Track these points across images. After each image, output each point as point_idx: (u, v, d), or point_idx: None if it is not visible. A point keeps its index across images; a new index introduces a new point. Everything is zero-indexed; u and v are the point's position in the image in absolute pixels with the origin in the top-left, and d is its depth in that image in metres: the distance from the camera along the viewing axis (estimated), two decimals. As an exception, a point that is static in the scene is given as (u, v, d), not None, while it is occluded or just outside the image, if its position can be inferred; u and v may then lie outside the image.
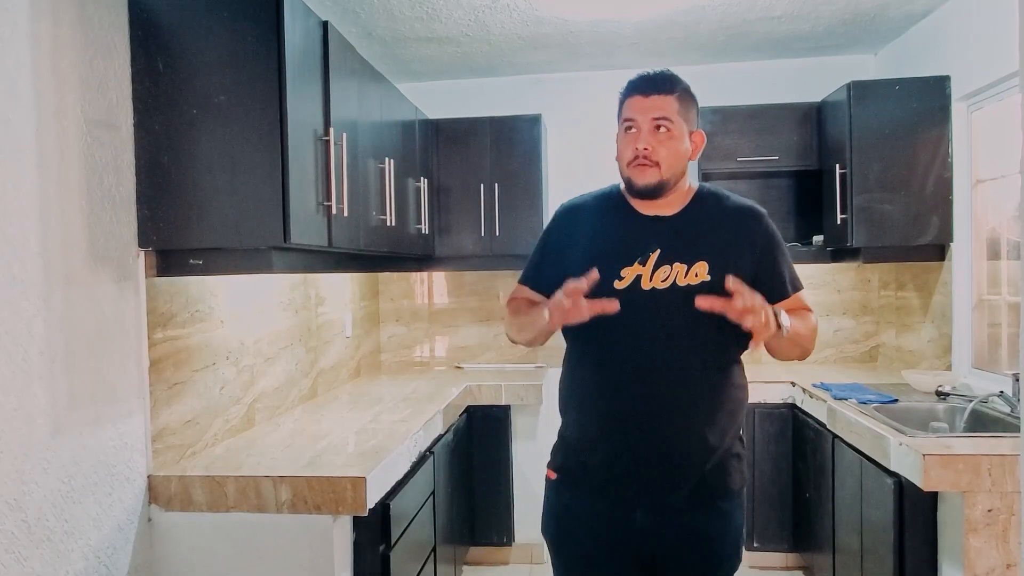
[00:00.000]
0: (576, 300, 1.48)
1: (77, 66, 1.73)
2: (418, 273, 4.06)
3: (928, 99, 3.10)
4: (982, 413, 2.51)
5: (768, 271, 1.62)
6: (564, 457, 1.74)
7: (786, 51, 3.70)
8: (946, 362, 3.14)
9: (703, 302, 1.47)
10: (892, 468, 2.19)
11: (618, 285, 1.60)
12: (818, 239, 3.55)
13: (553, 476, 1.77)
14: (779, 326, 1.51)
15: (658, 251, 1.61)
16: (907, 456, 2.07)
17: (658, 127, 1.59)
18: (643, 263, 1.61)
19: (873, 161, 3.14)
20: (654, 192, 1.63)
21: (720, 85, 3.85)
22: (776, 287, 1.62)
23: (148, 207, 1.95)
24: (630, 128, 1.62)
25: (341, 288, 3.52)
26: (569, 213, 1.77)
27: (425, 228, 3.43)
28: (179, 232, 1.95)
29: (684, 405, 1.60)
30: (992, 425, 2.44)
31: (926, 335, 3.32)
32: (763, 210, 1.70)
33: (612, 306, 1.49)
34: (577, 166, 3.99)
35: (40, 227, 1.61)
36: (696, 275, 1.59)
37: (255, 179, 1.91)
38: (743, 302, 1.44)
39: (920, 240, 3.13)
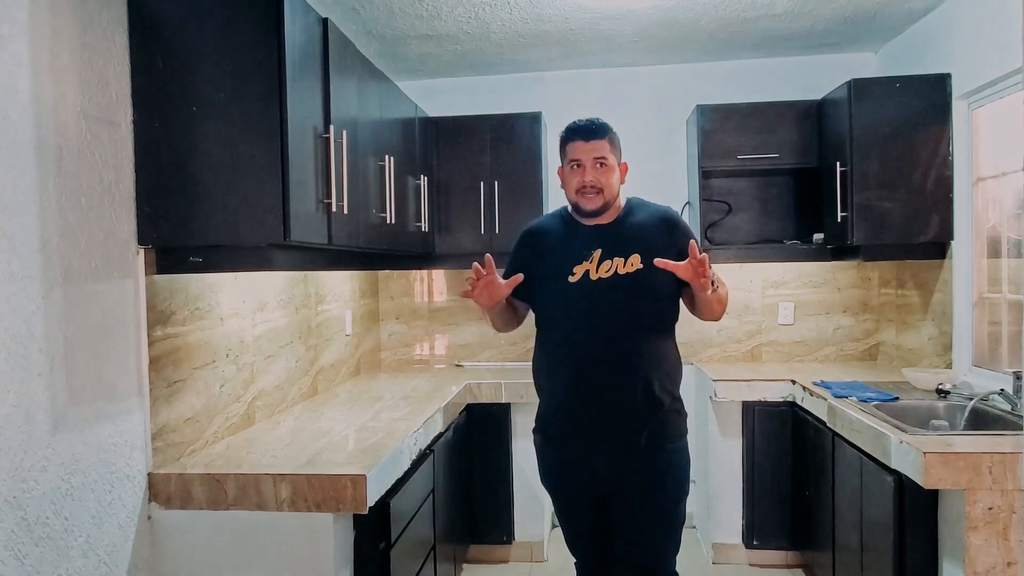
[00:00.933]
0: (479, 275, 1.99)
1: (76, 63, 1.73)
2: (418, 271, 4.06)
3: (929, 97, 3.09)
4: (983, 411, 2.51)
5: (686, 257, 1.96)
6: (544, 421, 2.19)
7: (786, 49, 3.70)
8: (946, 360, 3.14)
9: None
10: (892, 466, 2.19)
11: (571, 279, 2.08)
12: (818, 237, 3.54)
13: (537, 439, 2.22)
14: (713, 283, 1.96)
15: (600, 250, 2.08)
16: (907, 454, 2.07)
17: (599, 164, 2.06)
18: (589, 260, 2.08)
19: (873, 159, 3.14)
20: (599, 212, 2.10)
21: (720, 83, 3.85)
22: None
23: (148, 204, 1.94)
24: (576, 165, 2.08)
25: (341, 286, 3.52)
26: (531, 234, 2.25)
27: (425, 226, 3.43)
28: (179, 229, 1.95)
29: (630, 366, 2.05)
30: (993, 423, 2.44)
31: (926, 333, 3.32)
32: (677, 212, 2.23)
33: (518, 278, 2.03)
34: (577, 164, 3.99)
35: (39, 224, 1.60)
36: (632, 264, 2.06)
37: (255, 176, 1.90)
38: (701, 260, 1.88)
39: (920, 238, 3.13)
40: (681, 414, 2.14)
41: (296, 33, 1.97)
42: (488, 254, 2.02)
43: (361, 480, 1.90)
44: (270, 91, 1.89)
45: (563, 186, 2.15)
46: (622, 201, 2.16)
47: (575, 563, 2.32)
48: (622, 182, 2.14)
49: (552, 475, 2.20)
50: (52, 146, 1.65)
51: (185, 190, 1.93)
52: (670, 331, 2.15)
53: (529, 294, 2.16)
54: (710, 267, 1.93)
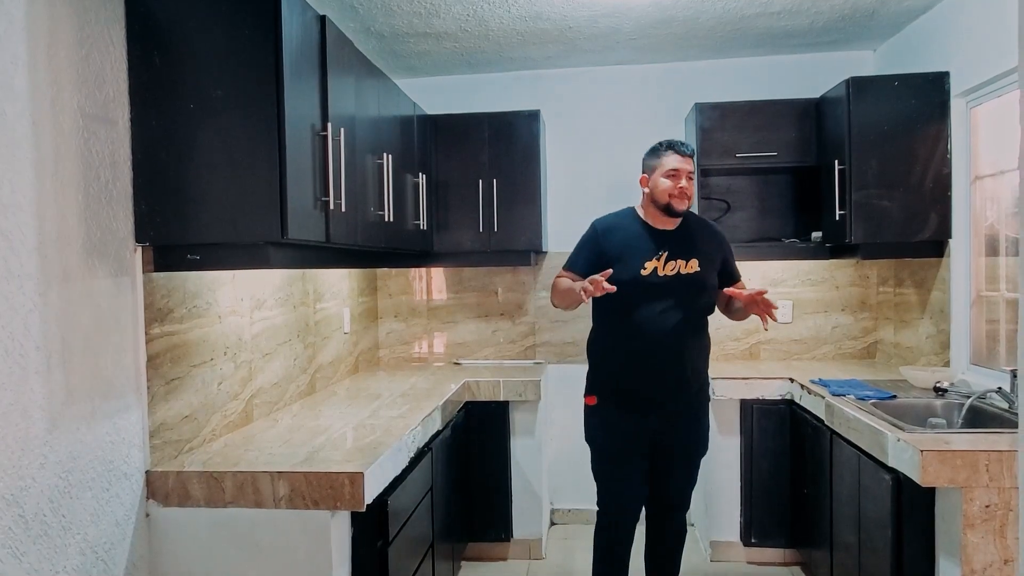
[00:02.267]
0: (596, 286, 2.34)
1: (73, 60, 1.73)
2: (416, 269, 4.05)
3: (927, 95, 3.09)
4: (980, 409, 2.51)
5: (728, 266, 2.71)
6: (602, 386, 2.66)
7: (784, 47, 3.70)
8: (944, 358, 3.14)
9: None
10: (890, 464, 2.19)
11: (643, 273, 2.54)
12: (816, 235, 3.54)
13: (593, 401, 2.67)
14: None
15: (666, 252, 2.56)
16: (905, 452, 2.08)
17: (689, 177, 2.56)
18: (658, 259, 2.55)
19: (872, 157, 3.14)
20: (681, 213, 2.58)
21: (719, 81, 3.85)
22: (733, 275, 2.73)
23: (145, 202, 1.94)
24: (673, 175, 2.54)
25: (339, 284, 3.51)
26: (606, 228, 2.68)
27: (423, 224, 3.42)
28: (176, 227, 1.94)
29: (684, 347, 2.55)
30: (990, 421, 2.44)
31: (924, 331, 3.32)
32: (721, 227, 2.79)
33: (611, 288, 2.35)
34: (576, 162, 3.98)
35: (37, 222, 1.60)
36: (691, 267, 2.57)
37: (253, 174, 1.90)
38: (767, 302, 2.46)
39: (919, 236, 3.13)
40: (708, 384, 2.71)
41: (293, 30, 1.97)
42: (611, 269, 2.40)
43: (359, 478, 1.90)
44: (267, 88, 1.89)
45: (651, 188, 2.59)
46: None
47: (600, 519, 2.73)
48: None
49: (611, 433, 2.64)
50: (49, 144, 1.65)
51: (183, 188, 1.93)
52: (707, 322, 2.66)
53: None
54: (774, 305, 2.48)
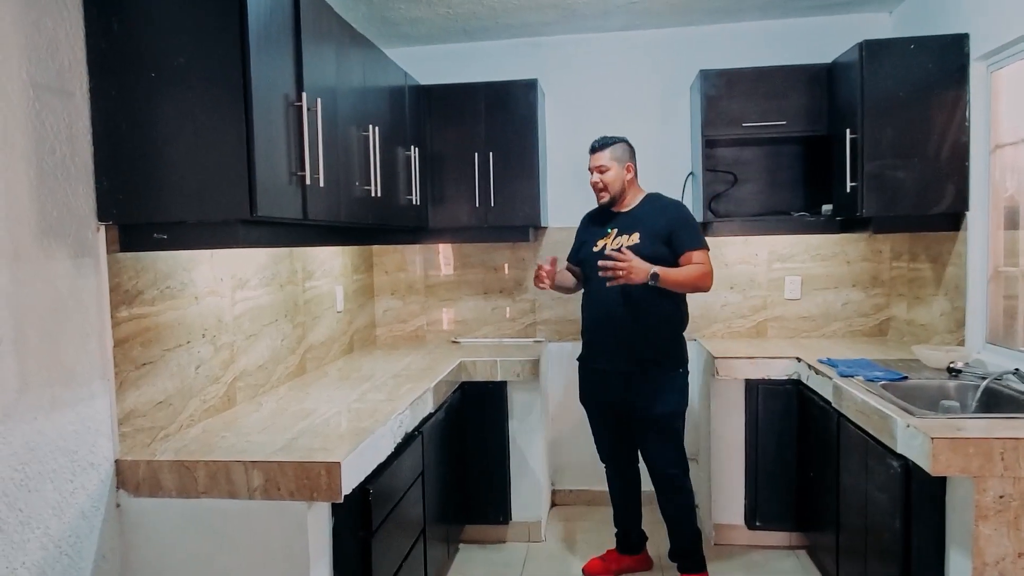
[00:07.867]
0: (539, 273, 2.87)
1: (21, 26, 1.61)
2: (414, 245, 3.94)
3: (945, 59, 2.91)
4: (996, 391, 2.39)
5: (674, 237, 2.79)
6: (582, 352, 3.03)
7: (795, 10, 3.51)
8: (959, 337, 3.00)
9: (615, 254, 2.69)
10: (899, 450, 2.07)
11: (594, 249, 2.89)
12: (827, 208, 3.39)
13: (578, 364, 3.06)
14: (654, 277, 2.65)
15: (616, 229, 2.88)
16: (915, 439, 1.96)
17: (600, 170, 2.87)
18: (607, 236, 2.89)
19: (886, 125, 2.97)
20: (609, 204, 2.92)
21: (725, 47, 3.68)
22: (677, 245, 2.79)
23: (107, 178, 1.83)
24: (591, 172, 2.91)
25: (331, 261, 3.41)
26: (585, 219, 3.10)
27: (416, 199, 3.30)
28: (141, 205, 1.84)
29: (629, 313, 2.81)
30: (1007, 405, 2.31)
31: (939, 308, 3.18)
32: (680, 205, 2.95)
33: (544, 280, 2.87)
34: (575, 132, 3.83)
35: (-18, 200, 1.50)
36: (632, 240, 2.80)
37: (218, 147, 1.78)
38: (621, 261, 2.64)
39: (934, 209, 2.97)
40: (672, 351, 2.86)
41: (261, -6, 1.83)
42: (555, 256, 2.90)
43: (336, 468, 1.81)
44: (232, 56, 1.76)
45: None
46: (638, 196, 2.92)
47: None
48: (630, 177, 2.89)
49: (584, 393, 3.04)
50: (-5, 116, 1.54)
51: (146, 162, 1.82)
52: (664, 294, 2.75)
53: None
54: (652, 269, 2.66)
